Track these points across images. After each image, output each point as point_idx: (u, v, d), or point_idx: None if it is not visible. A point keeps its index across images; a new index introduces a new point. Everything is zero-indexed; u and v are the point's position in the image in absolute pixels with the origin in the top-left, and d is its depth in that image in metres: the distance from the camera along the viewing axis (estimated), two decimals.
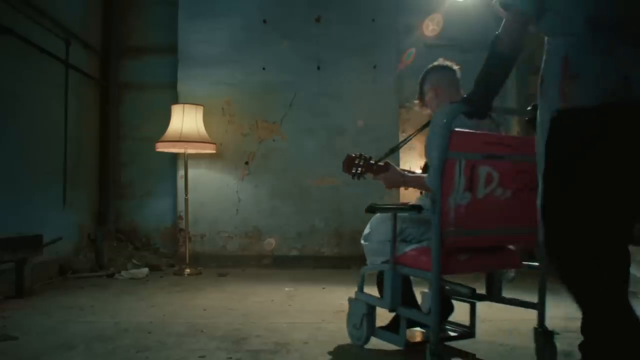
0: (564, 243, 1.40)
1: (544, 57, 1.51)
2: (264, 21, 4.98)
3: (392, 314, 2.18)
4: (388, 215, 2.06)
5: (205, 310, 2.90)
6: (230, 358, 2.01)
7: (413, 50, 4.95)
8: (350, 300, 2.25)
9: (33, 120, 3.74)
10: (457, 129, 1.72)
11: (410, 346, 2.08)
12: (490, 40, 1.62)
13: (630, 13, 1.40)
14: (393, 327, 2.16)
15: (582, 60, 1.40)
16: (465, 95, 1.71)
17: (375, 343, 2.17)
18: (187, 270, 4.29)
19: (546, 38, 1.53)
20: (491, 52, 1.62)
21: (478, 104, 1.66)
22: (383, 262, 2.07)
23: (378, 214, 2.21)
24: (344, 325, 2.52)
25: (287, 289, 3.54)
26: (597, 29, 1.39)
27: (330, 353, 2.11)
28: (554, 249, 1.44)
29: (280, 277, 4.04)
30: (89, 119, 4.67)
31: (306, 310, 2.89)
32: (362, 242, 2.26)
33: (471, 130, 1.82)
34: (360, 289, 2.19)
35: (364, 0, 5.06)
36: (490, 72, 1.64)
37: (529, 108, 1.82)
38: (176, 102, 4.70)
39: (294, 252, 4.84)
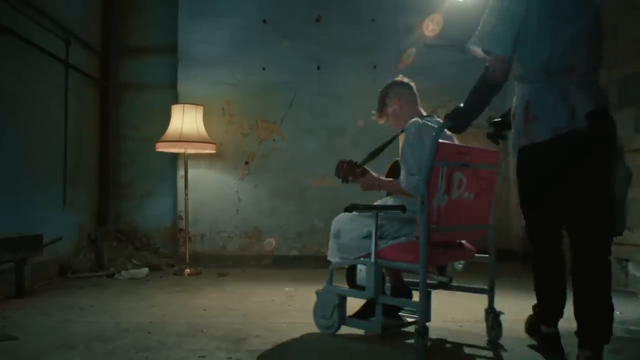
0: (532, 224, 2.09)
1: (515, 97, 2.03)
2: (264, 21, 4.98)
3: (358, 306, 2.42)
4: (357, 214, 2.34)
5: (205, 310, 2.90)
6: (230, 358, 2.01)
7: (413, 50, 4.95)
8: (319, 292, 2.40)
9: (33, 120, 3.74)
10: (441, 141, 2.00)
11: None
12: (483, 71, 1.94)
13: (576, 61, 1.83)
14: (363, 315, 2.39)
15: (540, 103, 1.87)
16: (449, 113, 2.00)
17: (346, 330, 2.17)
18: (187, 270, 4.29)
19: (514, 82, 2.02)
20: (481, 79, 1.94)
21: (459, 122, 1.99)
22: (362, 257, 2.26)
23: (343, 213, 2.43)
24: (343, 325, 2.52)
25: (287, 289, 3.54)
26: (551, 75, 1.84)
27: (330, 353, 2.11)
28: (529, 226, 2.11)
29: (280, 277, 4.04)
30: (89, 119, 4.67)
31: (306, 310, 2.89)
32: (333, 239, 2.42)
33: (447, 142, 2.18)
34: (330, 282, 2.38)
35: (364, 0, 5.06)
36: (476, 98, 1.97)
37: (490, 122, 2.25)
38: (176, 102, 4.70)
39: (294, 252, 4.84)
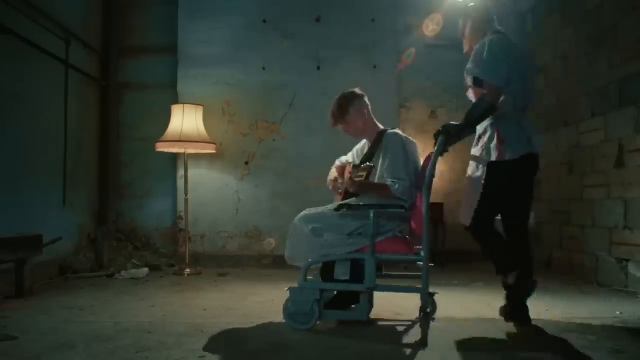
0: (487, 214, 2.57)
1: (491, 126, 2.54)
2: (264, 21, 4.98)
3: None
4: (332, 213, 2.50)
5: (205, 310, 2.90)
6: (231, 358, 2.01)
7: (413, 50, 4.95)
8: (294, 290, 2.45)
9: (33, 120, 3.74)
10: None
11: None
12: (479, 100, 2.45)
13: (529, 101, 2.58)
14: (339, 305, 2.56)
15: (507, 131, 2.49)
16: (444, 130, 2.37)
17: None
18: (187, 270, 4.29)
19: None
20: (483, 103, 2.42)
21: (454, 137, 2.41)
22: (355, 252, 2.44)
23: (309, 212, 2.58)
24: (344, 325, 2.53)
25: (287, 289, 3.53)
26: (516, 111, 2.51)
27: (330, 353, 2.11)
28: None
29: (280, 277, 4.03)
30: (89, 119, 4.67)
31: None
32: (312, 238, 2.48)
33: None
34: (305, 279, 2.46)
35: (364, 0, 5.06)
36: (478, 118, 2.46)
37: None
38: (176, 102, 4.70)
39: None
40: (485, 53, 2.45)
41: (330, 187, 2.86)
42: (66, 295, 3.26)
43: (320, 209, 2.64)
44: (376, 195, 2.54)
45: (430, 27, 4.96)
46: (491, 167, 2.49)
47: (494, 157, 2.48)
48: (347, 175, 2.63)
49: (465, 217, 2.60)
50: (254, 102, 4.93)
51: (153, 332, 2.37)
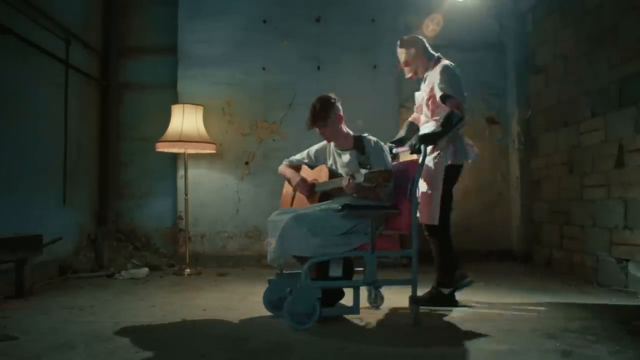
0: (449, 213, 3.02)
1: (447, 137, 2.89)
2: (264, 21, 4.98)
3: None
4: (341, 213, 2.53)
5: (205, 310, 2.90)
6: (230, 358, 2.01)
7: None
8: (297, 290, 2.46)
9: (33, 120, 3.74)
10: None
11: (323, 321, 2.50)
12: (452, 113, 2.82)
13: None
14: (328, 302, 2.63)
15: (458, 142, 2.97)
16: (422, 138, 2.71)
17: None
18: (187, 270, 4.29)
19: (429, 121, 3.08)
20: (455, 116, 2.81)
21: (433, 144, 2.84)
22: (355, 249, 2.55)
23: (304, 212, 2.62)
24: (344, 325, 2.53)
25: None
26: (460, 128, 2.96)
27: (330, 353, 2.11)
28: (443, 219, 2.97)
29: None
30: (89, 119, 4.67)
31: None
32: (309, 237, 2.48)
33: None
34: (307, 277, 2.46)
35: (364, 0, 5.06)
36: (449, 127, 2.80)
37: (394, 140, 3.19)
38: (176, 102, 4.70)
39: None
40: (451, 75, 2.93)
41: (305, 190, 2.92)
42: (66, 295, 3.26)
43: (309, 209, 2.67)
44: (367, 197, 2.67)
45: (430, 27, 4.96)
46: (449, 170, 2.95)
47: (450, 161, 2.93)
48: (347, 179, 2.60)
49: (431, 217, 2.91)
50: (254, 102, 4.93)
51: (153, 332, 2.37)
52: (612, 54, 3.73)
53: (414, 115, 3.30)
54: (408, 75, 3.17)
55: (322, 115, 2.79)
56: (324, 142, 3.03)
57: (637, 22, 3.46)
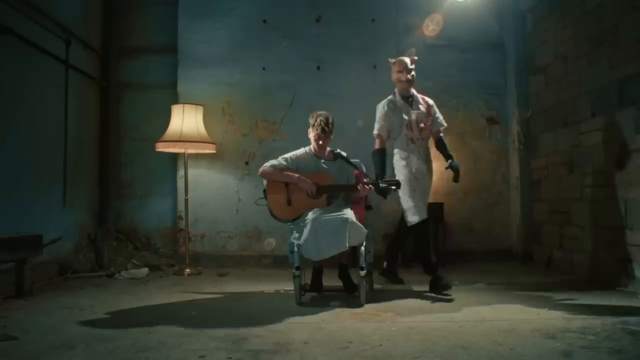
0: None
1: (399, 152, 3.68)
2: (264, 21, 4.99)
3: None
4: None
5: (205, 310, 2.90)
6: (230, 358, 2.01)
7: (413, 49, 4.94)
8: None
9: (33, 120, 3.74)
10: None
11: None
12: (375, 149, 3.68)
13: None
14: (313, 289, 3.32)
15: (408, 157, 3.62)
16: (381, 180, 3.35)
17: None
18: (187, 270, 4.29)
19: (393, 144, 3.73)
20: (375, 151, 3.66)
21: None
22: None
23: (348, 210, 3.12)
24: (344, 325, 2.53)
25: (287, 288, 3.54)
26: (409, 144, 3.63)
27: (330, 352, 2.11)
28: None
29: (280, 277, 4.03)
30: (89, 119, 4.67)
31: (307, 310, 2.89)
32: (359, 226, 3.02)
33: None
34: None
35: (364, 0, 5.06)
36: (380, 160, 3.62)
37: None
38: (176, 102, 4.70)
39: None
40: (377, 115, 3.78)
41: (314, 191, 3.20)
42: (66, 295, 3.26)
43: (337, 210, 3.09)
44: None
45: (430, 27, 4.96)
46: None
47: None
48: (362, 186, 3.21)
49: (422, 212, 3.46)
50: (254, 102, 4.94)
51: (153, 332, 2.37)
52: (612, 54, 3.73)
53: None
54: (410, 92, 3.71)
55: (330, 130, 3.40)
56: (301, 152, 3.43)
57: (637, 22, 3.46)
